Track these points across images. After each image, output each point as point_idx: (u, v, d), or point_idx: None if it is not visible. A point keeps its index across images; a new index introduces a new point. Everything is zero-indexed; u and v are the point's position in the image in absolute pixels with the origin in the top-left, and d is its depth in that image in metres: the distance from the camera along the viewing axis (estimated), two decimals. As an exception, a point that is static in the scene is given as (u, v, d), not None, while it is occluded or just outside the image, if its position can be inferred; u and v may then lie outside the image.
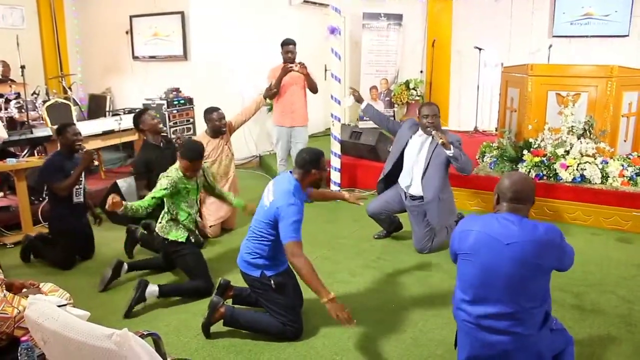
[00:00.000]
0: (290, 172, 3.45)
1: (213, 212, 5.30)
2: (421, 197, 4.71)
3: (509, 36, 9.07)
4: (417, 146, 4.73)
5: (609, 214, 5.47)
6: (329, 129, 6.74)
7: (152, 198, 3.88)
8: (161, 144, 5.21)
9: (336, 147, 6.54)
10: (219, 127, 5.30)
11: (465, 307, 2.57)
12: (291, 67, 6.07)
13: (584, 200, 5.58)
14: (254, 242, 3.39)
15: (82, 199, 4.74)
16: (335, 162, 6.56)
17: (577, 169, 5.68)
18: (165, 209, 4.11)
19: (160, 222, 4.13)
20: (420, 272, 4.48)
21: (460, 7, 9.48)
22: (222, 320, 3.48)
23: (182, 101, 7.77)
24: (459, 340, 2.69)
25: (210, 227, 5.28)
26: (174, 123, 7.65)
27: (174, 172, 4.03)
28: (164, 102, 7.55)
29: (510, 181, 2.56)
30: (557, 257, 2.48)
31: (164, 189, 3.92)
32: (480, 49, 8.71)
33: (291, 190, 3.28)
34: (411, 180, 4.75)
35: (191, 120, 7.89)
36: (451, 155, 4.48)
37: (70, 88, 8.24)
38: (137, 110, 5.35)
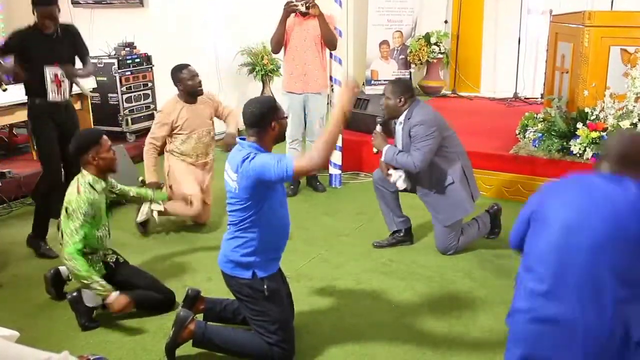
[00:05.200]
0: (242, 138, 3.43)
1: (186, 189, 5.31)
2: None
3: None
4: (398, 135, 4.81)
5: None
6: (328, 95, 6.73)
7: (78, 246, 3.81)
8: None
9: (336, 119, 6.50)
10: (193, 88, 5.28)
11: (536, 304, 2.47)
12: (294, 4, 5.92)
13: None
14: (239, 235, 3.39)
15: None
16: (336, 138, 6.52)
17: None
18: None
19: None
20: (442, 279, 4.50)
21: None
22: (191, 341, 3.48)
23: (137, 60, 7.75)
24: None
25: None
26: (126, 88, 7.63)
27: (86, 190, 3.90)
28: (114, 60, 7.54)
29: (619, 138, 2.60)
30: None
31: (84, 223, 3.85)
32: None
33: (252, 152, 3.29)
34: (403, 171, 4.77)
35: (149, 84, 7.88)
36: (382, 160, 4.75)
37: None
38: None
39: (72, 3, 8.26)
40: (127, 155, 6.17)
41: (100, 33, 8.02)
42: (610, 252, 2.33)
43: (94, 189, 3.91)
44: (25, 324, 3.75)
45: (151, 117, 7.85)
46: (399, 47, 9.78)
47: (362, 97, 7.31)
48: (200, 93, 5.34)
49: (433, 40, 9.68)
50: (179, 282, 4.37)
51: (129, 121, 7.65)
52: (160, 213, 5.25)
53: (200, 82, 5.31)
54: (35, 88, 4.89)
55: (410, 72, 9.94)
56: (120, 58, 7.59)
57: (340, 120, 3.18)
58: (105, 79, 7.54)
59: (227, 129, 5.49)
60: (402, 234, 5.05)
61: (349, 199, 6.27)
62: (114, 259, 4.12)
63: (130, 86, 7.69)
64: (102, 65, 7.45)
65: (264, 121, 3.34)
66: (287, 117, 3.43)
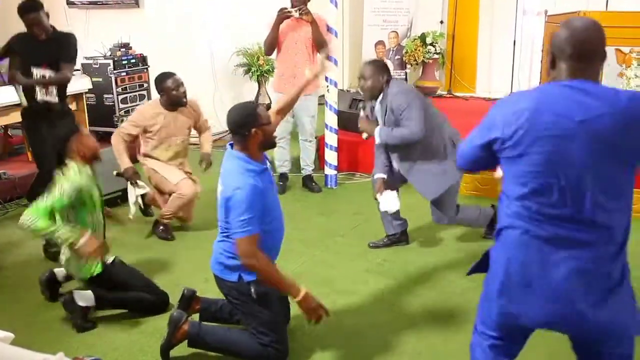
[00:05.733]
0: (231, 144, 3.42)
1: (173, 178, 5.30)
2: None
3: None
4: (377, 114, 4.76)
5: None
6: (323, 96, 6.73)
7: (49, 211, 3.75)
8: None
9: (332, 120, 6.55)
10: (178, 98, 5.20)
11: (516, 208, 2.33)
12: (288, 11, 5.95)
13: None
14: (226, 240, 3.39)
15: None
16: (331, 139, 6.58)
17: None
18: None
19: (63, 254, 4.00)
20: (437, 280, 4.51)
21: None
22: (186, 341, 3.47)
23: (132, 60, 7.73)
24: (496, 268, 2.46)
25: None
26: (122, 89, 7.61)
27: (73, 172, 3.87)
28: (109, 61, 7.51)
29: (569, 31, 2.29)
30: None
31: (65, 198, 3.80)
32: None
33: (237, 170, 3.28)
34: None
35: (145, 85, 7.86)
36: (378, 142, 4.65)
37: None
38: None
39: (67, 4, 8.26)
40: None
41: (96, 34, 8.03)
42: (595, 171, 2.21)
43: (80, 175, 3.86)
44: (21, 326, 3.73)
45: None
46: (394, 47, 9.79)
47: (358, 97, 7.31)
48: (184, 104, 5.28)
49: (429, 40, 9.67)
50: (175, 283, 4.35)
51: (123, 122, 7.61)
52: (146, 202, 5.34)
53: (184, 92, 5.24)
54: (27, 89, 4.96)
55: (406, 73, 9.96)
56: (115, 59, 7.57)
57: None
58: (100, 79, 7.51)
59: (201, 149, 5.49)
60: (397, 235, 5.05)
61: (345, 199, 6.27)
62: (112, 259, 4.07)
63: (126, 87, 7.66)
64: (97, 66, 7.43)
65: (244, 129, 3.29)
66: (270, 124, 3.39)
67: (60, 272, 4.20)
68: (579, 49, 2.25)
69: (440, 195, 4.63)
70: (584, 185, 2.19)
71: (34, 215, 3.64)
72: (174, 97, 5.19)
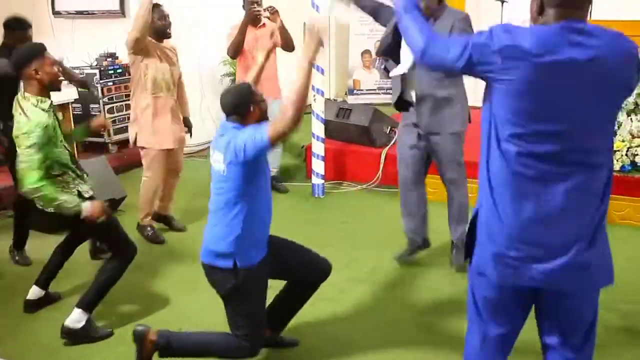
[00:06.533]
0: (227, 120, 3.40)
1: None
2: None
3: (540, -15, 9.10)
4: None
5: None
6: (309, 105, 6.72)
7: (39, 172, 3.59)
8: None
9: (319, 129, 6.55)
10: (163, 28, 5.24)
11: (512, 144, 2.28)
12: (258, 10, 6.04)
13: (635, 195, 5.63)
14: (223, 221, 3.34)
15: None
16: (318, 148, 6.57)
17: (626, 155, 5.73)
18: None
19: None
20: (426, 287, 4.51)
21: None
22: (156, 353, 3.41)
23: (119, 70, 7.71)
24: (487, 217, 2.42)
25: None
26: (108, 99, 7.59)
27: (34, 112, 3.64)
28: (96, 71, 7.48)
29: None
30: (636, 75, 2.30)
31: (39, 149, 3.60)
32: (502, 2, 8.73)
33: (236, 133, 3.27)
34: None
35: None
36: None
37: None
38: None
39: (53, 13, 8.22)
40: (108, 166, 6.12)
41: (82, 43, 8.00)
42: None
43: (41, 109, 3.67)
44: (6, 337, 3.71)
45: (133, 127, 7.82)
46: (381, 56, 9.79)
47: (344, 106, 7.33)
48: (169, 36, 5.32)
49: (415, 49, 9.68)
50: (162, 293, 4.34)
51: (111, 132, 7.59)
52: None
53: (170, 23, 5.29)
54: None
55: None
56: (102, 68, 7.55)
57: (307, 71, 3.17)
58: (87, 89, 7.47)
59: (182, 114, 5.56)
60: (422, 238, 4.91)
61: (332, 208, 6.26)
62: (90, 195, 3.91)
63: (112, 97, 7.64)
64: (83, 76, 7.38)
65: (242, 108, 3.32)
66: (264, 101, 3.40)
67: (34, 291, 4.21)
68: None
69: (459, 136, 4.53)
70: (585, 122, 2.22)
71: (36, 183, 3.54)
72: (159, 27, 5.21)
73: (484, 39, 2.29)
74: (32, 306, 4.20)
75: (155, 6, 5.16)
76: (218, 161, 3.30)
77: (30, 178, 3.54)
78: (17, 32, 4.90)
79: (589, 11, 2.31)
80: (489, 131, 2.37)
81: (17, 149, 3.64)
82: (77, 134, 4.40)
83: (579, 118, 2.21)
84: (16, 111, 3.70)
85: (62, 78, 3.90)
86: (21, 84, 4.46)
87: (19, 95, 3.74)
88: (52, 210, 3.69)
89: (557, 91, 2.19)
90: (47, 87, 3.75)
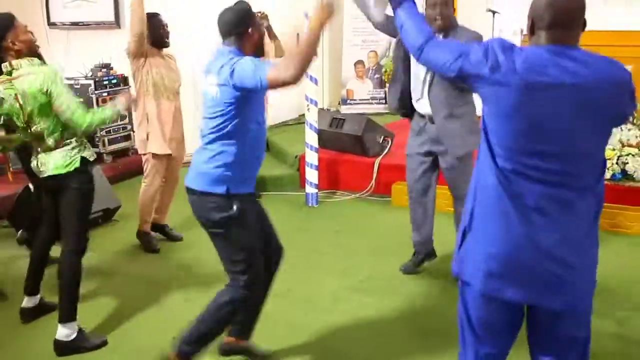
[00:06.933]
0: (223, 43, 3.29)
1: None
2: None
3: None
4: None
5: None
6: (303, 115, 6.73)
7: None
8: None
9: (312, 139, 6.55)
10: (161, 37, 5.25)
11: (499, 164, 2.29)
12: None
13: (626, 202, 5.64)
14: (215, 146, 3.22)
15: None
16: (312, 157, 6.57)
17: (617, 163, 5.74)
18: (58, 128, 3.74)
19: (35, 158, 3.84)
20: (420, 296, 4.50)
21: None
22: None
23: (114, 80, 7.69)
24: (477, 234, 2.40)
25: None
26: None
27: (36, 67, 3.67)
28: (91, 81, 7.46)
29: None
30: (630, 104, 2.29)
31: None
32: (494, 13, 8.76)
33: (233, 57, 3.16)
34: (421, 92, 4.50)
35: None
36: None
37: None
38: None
39: (48, 24, 8.22)
40: (103, 176, 6.09)
41: (77, 54, 8.00)
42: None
43: (36, 62, 3.70)
44: (4, 343, 3.68)
45: (128, 137, 7.81)
46: (374, 66, 9.84)
47: (337, 116, 7.33)
48: (167, 45, 5.35)
49: (407, 59, 9.72)
50: (155, 304, 4.33)
51: (106, 142, 7.57)
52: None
53: (168, 33, 5.31)
54: None
55: (385, 92, 9.98)
56: (96, 79, 7.53)
57: (317, 28, 2.96)
58: (81, 100, 7.43)
59: None
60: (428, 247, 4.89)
61: (326, 217, 6.26)
62: (94, 158, 3.93)
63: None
64: (78, 87, 7.37)
65: (240, 28, 3.19)
66: (262, 27, 3.30)
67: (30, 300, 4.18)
68: (557, 18, 2.21)
69: (465, 155, 4.46)
70: (568, 146, 2.20)
71: (88, 118, 3.64)
72: (159, 35, 5.23)
73: (479, 52, 2.28)
74: (28, 314, 4.16)
75: (154, 15, 5.18)
76: (212, 84, 3.18)
77: (81, 118, 3.63)
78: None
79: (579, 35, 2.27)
80: (482, 146, 2.36)
81: (45, 112, 3.62)
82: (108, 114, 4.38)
83: (563, 141, 2.20)
84: (19, 80, 3.62)
85: (36, 41, 3.86)
86: None
87: (10, 70, 3.67)
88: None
89: (542, 113, 2.18)
90: (28, 54, 3.72)
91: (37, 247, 4.21)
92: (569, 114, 2.17)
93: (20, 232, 5.33)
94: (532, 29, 2.29)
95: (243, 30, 3.19)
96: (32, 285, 4.16)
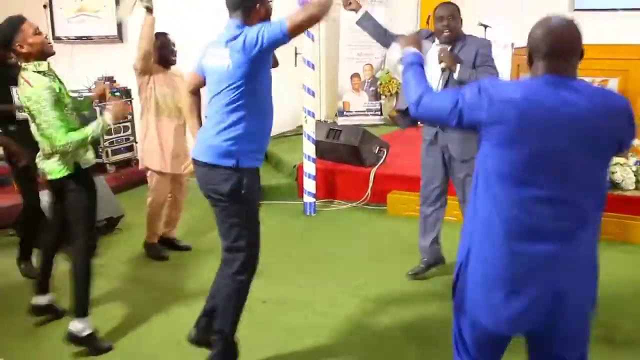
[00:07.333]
0: (230, 17, 3.27)
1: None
2: None
3: (521, 11, 9.22)
4: (437, 58, 4.45)
5: (645, 226, 5.56)
6: (301, 126, 6.79)
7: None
8: None
9: (310, 150, 6.60)
10: (167, 56, 5.27)
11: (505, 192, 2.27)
12: None
13: (613, 211, 5.60)
14: (225, 119, 3.21)
15: None
16: (309, 167, 6.61)
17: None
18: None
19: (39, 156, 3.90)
20: (417, 303, 4.53)
21: (461, -25, 9.62)
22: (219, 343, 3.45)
23: (117, 93, 7.73)
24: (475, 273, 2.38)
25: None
26: (106, 121, 7.64)
27: (36, 78, 3.62)
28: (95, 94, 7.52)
29: (544, 29, 2.24)
30: (630, 130, 2.26)
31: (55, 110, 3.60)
32: (485, 27, 8.83)
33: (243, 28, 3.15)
34: None
35: (129, 117, 7.88)
36: (455, 79, 4.30)
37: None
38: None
39: (53, 39, 8.27)
40: (107, 186, 6.16)
41: (81, 68, 8.04)
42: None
43: (41, 72, 3.65)
44: (11, 349, 3.72)
45: (130, 148, 7.88)
46: (369, 79, 9.92)
47: (334, 127, 7.36)
48: (174, 62, 5.34)
49: (402, 72, 9.79)
50: (161, 310, 4.40)
51: (109, 153, 7.65)
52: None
53: (176, 52, 5.32)
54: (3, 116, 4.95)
55: (381, 103, 10.07)
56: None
57: None
58: (85, 112, 7.51)
59: None
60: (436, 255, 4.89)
61: (324, 225, 6.30)
62: (92, 163, 3.98)
63: (110, 119, 7.70)
64: (82, 99, 7.44)
65: (248, 2, 3.18)
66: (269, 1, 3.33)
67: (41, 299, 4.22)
68: (554, 48, 2.22)
69: (471, 159, 4.36)
70: (568, 176, 2.19)
71: (65, 137, 3.58)
72: (165, 54, 5.25)
73: (473, 94, 2.28)
74: (38, 310, 4.19)
75: (162, 34, 5.22)
76: (222, 57, 3.15)
77: (58, 136, 3.57)
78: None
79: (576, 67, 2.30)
80: (478, 179, 2.37)
81: (33, 122, 3.68)
82: (84, 103, 4.39)
83: (562, 171, 2.19)
84: (21, 86, 3.68)
85: (50, 42, 3.84)
86: (13, 90, 4.71)
87: (21, 72, 3.70)
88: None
89: (541, 143, 2.17)
90: (39, 56, 3.69)
91: (45, 247, 4.24)
92: (567, 144, 2.16)
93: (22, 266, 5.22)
94: (531, 59, 2.30)
95: (251, 5, 3.17)
96: (41, 285, 4.21)
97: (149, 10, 4.94)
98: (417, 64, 2.63)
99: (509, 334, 2.42)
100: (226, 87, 3.16)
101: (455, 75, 4.27)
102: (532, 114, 2.17)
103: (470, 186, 4.18)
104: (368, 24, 4.83)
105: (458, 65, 4.28)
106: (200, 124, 3.58)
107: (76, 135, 3.62)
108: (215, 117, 3.24)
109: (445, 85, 4.40)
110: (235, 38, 3.09)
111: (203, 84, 3.49)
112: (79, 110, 4.12)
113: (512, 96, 2.20)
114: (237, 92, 3.15)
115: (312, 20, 3.02)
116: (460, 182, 4.56)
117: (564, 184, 2.21)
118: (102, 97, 4.48)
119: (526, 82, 2.29)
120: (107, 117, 3.74)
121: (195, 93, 3.61)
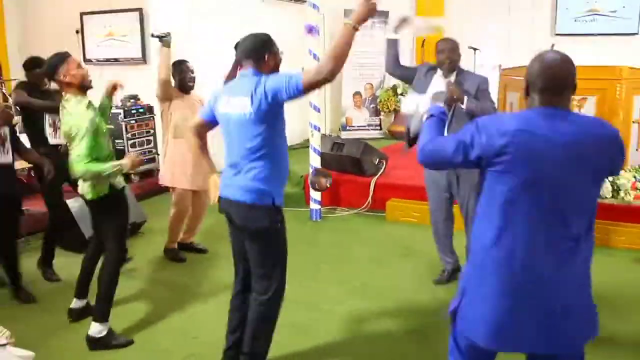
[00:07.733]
0: (244, 68, 3.22)
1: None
2: None
3: (508, 35, 9.22)
4: (441, 89, 4.33)
5: (621, 232, 5.53)
6: (307, 140, 6.76)
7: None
8: None
9: (316, 161, 6.57)
10: (184, 82, 5.25)
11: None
12: None
13: (602, 218, 5.58)
14: (254, 165, 3.14)
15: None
16: (315, 177, 6.55)
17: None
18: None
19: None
20: (417, 304, 4.48)
21: (452, 2, 9.61)
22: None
23: (141, 110, 7.75)
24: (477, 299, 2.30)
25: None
26: (132, 135, 7.62)
27: (78, 109, 3.68)
28: (120, 111, 7.53)
29: (540, 65, 2.24)
30: (620, 157, 2.25)
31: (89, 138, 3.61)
32: (475, 50, 8.81)
33: (261, 77, 3.10)
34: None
35: (151, 131, 7.86)
36: (462, 110, 4.26)
37: (11, 95, 8.17)
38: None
39: (84, 61, 8.28)
40: (131, 193, 6.11)
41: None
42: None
43: (83, 104, 3.70)
44: (40, 345, 3.67)
45: (153, 160, 7.85)
46: (369, 97, 9.91)
47: (338, 141, 7.37)
48: (190, 88, 5.31)
49: (399, 91, 9.78)
50: (179, 308, 4.34)
51: (128, 128, 7.67)
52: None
53: (194, 78, 5.30)
54: (37, 135, 5.03)
55: (380, 119, 10.04)
56: (125, 108, 7.60)
57: (349, 32, 2.92)
58: (112, 126, 7.50)
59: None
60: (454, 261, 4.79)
61: (328, 230, 6.27)
62: (122, 185, 3.96)
63: (135, 133, 7.68)
64: (109, 115, 7.42)
65: (260, 53, 3.13)
66: (282, 53, 3.26)
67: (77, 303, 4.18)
68: (549, 83, 2.21)
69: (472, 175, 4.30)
70: (562, 201, 2.16)
71: (85, 166, 3.56)
72: (184, 80, 5.24)
73: (473, 133, 2.25)
74: (75, 314, 4.16)
75: (181, 62, 5.23)
76: (241, 105, 3.08)
77: (79, 164, 3.57)
78: (33, 71, 4.94)
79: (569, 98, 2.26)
80: (480, 205, 2.33)
81: (69, 147, 3.70)
82: (105, 104, 4.36)
83: (558, 196, 2.16)
84: (63, 112, 3.74)
85: (90, 77, 3.85)
86: (46, 116, 4.85)
87: (62, 101, 3.77)
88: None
89: (537, 170, 2.14)
90: (79, 87, 3.74)
91: (87, 257, 4.21)
92: (561, 171, 2.14)
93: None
94: (527, 92, 2.29)
95: (260, 56, 3.13)
96: (80, 290, 4.18)
97: (167, 44, 5.03)
98: (438, 115, 2.58)
99: (503, 351, 2.33)
100: (249, 134, 3.09)
101: (464, 106, 4.24)
102: (528, 144, 2.15)
103: (473, 201, 4.14)
104: (391, 50, 4.89)
105: (465, 97, 4.25)
106: (209, 157, 3.55)
107: (94, 167, 3.60)
108: (243, 162, 3.16)
109: (452, 115, 4.32)
110: (257, 86, 3.03)
111: (208, 128, 3.47)
112: (104, 108, 4.26)
113: (508, 128, 2.17)
114: (260, 139, 3.08)
115: (328, 77, 2.94)
116: (465, 200, 4.48)
117: (559, 209, 2.17)
118: (114, 88, 4.46)
119: (522, 114, 2.26)
120: (125, 163, 3.69)
121: (201, 137, 3.53)
